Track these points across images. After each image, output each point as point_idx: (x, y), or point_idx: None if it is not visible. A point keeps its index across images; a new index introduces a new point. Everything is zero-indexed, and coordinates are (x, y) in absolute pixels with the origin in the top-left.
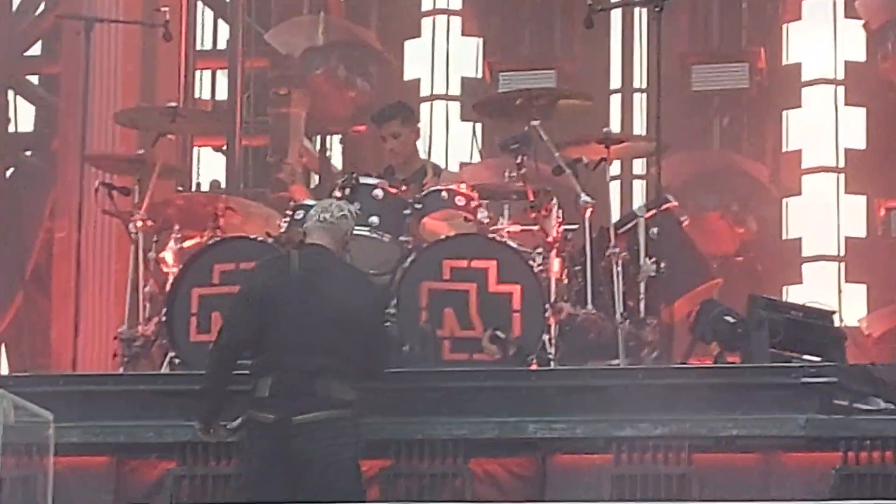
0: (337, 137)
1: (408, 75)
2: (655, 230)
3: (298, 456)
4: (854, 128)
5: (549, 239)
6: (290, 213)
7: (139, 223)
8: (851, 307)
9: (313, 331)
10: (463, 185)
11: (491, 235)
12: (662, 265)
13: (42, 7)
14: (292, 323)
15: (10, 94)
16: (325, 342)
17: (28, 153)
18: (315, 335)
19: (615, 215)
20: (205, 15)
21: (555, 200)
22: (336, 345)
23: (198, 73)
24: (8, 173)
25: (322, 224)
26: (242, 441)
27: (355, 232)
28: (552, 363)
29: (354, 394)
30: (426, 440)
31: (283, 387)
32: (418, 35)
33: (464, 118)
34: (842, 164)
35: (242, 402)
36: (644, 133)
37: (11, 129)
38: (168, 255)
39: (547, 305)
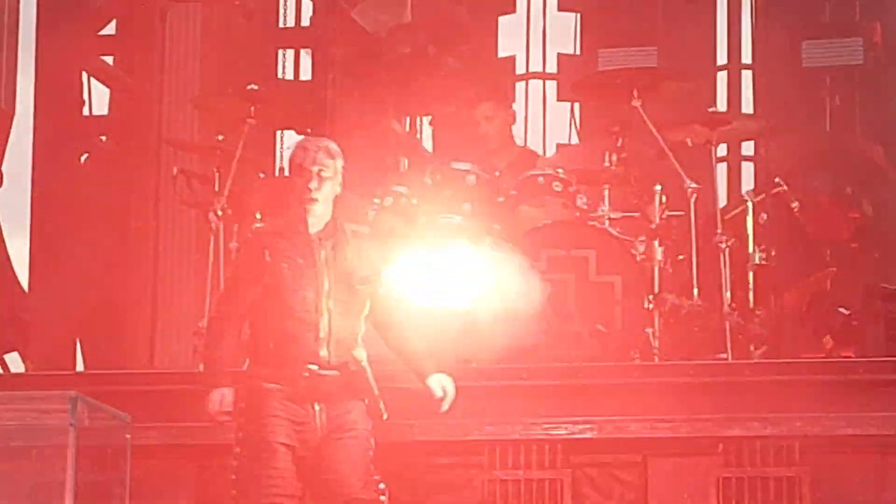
0: (427, 119)
1: (501, 52)
2: (765, 216)
3: None
4: None
5: (653, 226)
6: (377, 199)
7: (219, 212)
8: None
9: None
10: (560, 170)
11: (590, 223)
12: (772, 253)
13: None
14: None
15: (84, 75)
16: None
17: (103, 138)
18: None
19: (722, 200)
20: None
21: (658, 185)
22: None
23: (280, 52)
24: (82, 159)
25: None
26: None
27: (446, 219)
28: (656, 358)
29: None
30: (522, 441)
31: None
32: (513, 10)
33: (561, 98)
34: None
35: None
36: (752, 112)
37: (86, 112)
38: None
39: (650, 296)
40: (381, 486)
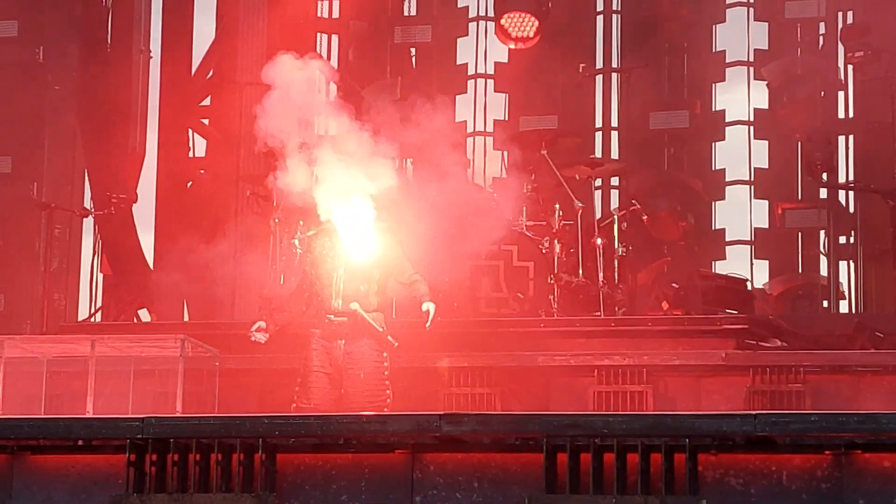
0: (409, 160)
1: (458, 118)
2: (625, 224)
3: None
4: (760, 154)
5: (553, 230)
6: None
7: (276, 220)
8: (758, 275)
9: None
10: (495, 194)
11: (514, 228)
12: (630, 248)
13: (211, 72)
14: None
15: (189, 131)
16: None
17: (202, 171)
18: None
19: (597, 214)
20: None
21: (557, 204)
22: None
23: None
24: (188, 185)
25: None
26: None
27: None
28: (555, 314)
29: None
30: (468, 368)
31: None
32: (465, 91)
33: (496, 147)
34: (752, 178)
35: None
36: (617, 158)
37: (191, 154)
38: (296, 241)
39: (552, 276)
40: (389, 393)
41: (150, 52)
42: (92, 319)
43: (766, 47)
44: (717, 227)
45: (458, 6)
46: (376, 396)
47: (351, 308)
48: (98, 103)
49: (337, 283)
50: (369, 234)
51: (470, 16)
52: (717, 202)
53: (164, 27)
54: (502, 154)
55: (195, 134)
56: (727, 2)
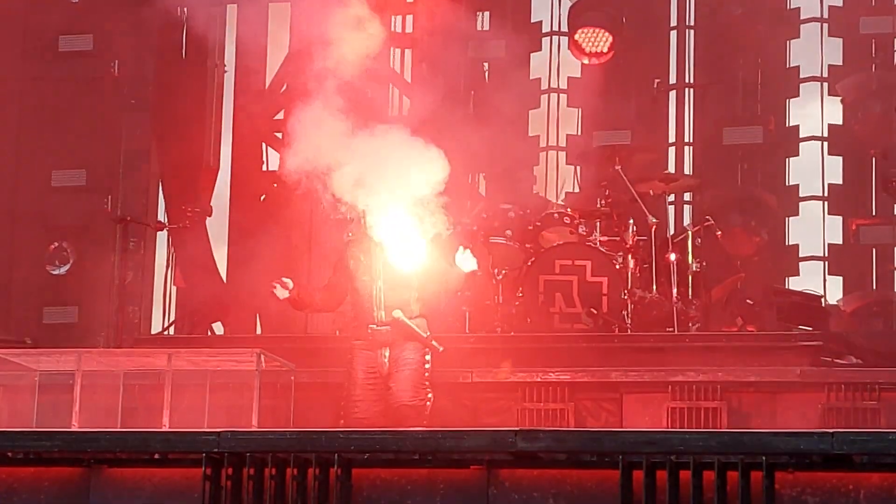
0: (482, 175)
1: (531, 133)
2: (699, 240)
3: None
4: (834, 169)
5: (627, 246)
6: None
7: (350, 234)
8: (832, 292)
9: None
10: (568, 209)
11: (587, 243)
12: (703, 264)
13: (285, 86)
14: None
15: (263, 145)
16: None
17: (275, 185)
18: None
19: (671, 230)
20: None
21: (631, 220)
22: None
23: None
24: (262, 198)
25: None
26: None
27: (494, 240)
28: (629, 330)
29: None
30: (542, 383)
31: None
32: (538, 106)
33: (569, 162)
34: (826, 194)
35: None
36: (691, 173)
37: (264, 168)
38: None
39: (625, 291)
40: (430, 394)
41: (224, 65)
42: (165, 333)
43: (841, 63)
44: (791, 243)
45: (532, 21)
46: (416, 395)
47: (394, 316)
48: (173, 116)
49: (377, 295)
50: (411, 243)
51: (543, 31)
52: (790, 218)
53: (238, 40)
54: (575, 169)
55: (269, 147)
56: (801, 17)
